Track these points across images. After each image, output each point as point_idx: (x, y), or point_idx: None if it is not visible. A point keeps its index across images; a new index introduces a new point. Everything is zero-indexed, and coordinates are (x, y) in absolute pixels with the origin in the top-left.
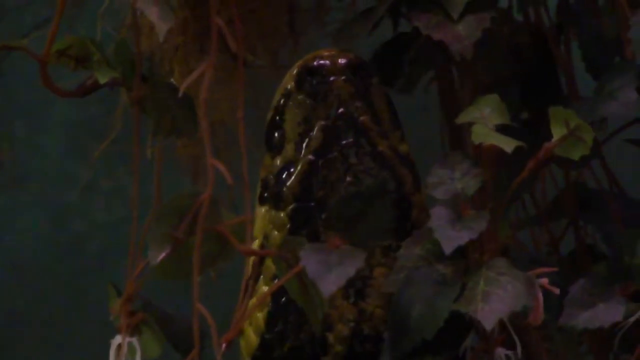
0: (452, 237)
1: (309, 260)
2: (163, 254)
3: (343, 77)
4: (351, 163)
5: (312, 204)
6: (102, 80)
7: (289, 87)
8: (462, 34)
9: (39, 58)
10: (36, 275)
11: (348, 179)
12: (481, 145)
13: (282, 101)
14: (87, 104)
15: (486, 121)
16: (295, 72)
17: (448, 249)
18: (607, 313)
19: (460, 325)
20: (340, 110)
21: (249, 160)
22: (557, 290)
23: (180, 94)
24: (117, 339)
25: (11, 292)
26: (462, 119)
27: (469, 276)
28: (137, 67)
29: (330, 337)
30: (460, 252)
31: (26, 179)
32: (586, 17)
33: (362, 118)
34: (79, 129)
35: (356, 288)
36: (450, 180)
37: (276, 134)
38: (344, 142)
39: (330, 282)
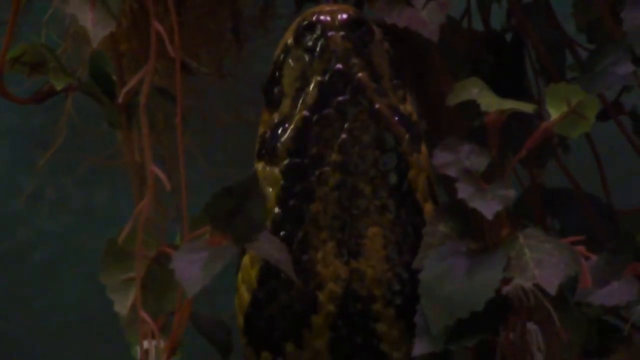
0: (489, 205)
1: (179, 260)
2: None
3: (341, 33)
4: (347, 120)
5: (306, 160)
6: (59, 86)
7: (288, 42)
8: (426, 19)
9: None
10: None
11: (343, 135)
12: (482, 120)
13: (281, 56)
14: (31, 112)
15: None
16: (294, 27)
17: (490, 215)
18: (622, 291)
19: (499, 301)
20: (337, 66)
21: (192, 169)
22: (594, 257)
23: (120, 100)
24: (144, 344)
25: None
26: (452, 100)
27: (505, 247)
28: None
29: (321, 296)
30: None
31: None
32: (540, 21)
33: (359, 75)
34: (23, 138)
35: (349, 247)
36: (457, 160)
37: (275, 90)
38: (340, 98)
39: (195, 282)
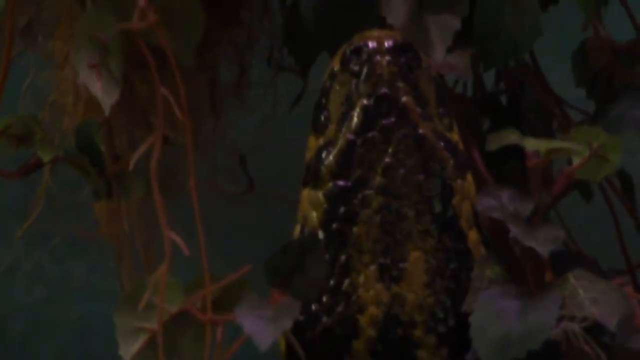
0: (544, 245)
1: (245, 316)
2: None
3: (388, 58)
4: (391, 143)
5: (350, 183)
6: (46, 158)
7: (335, 68)
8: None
9: None
10: None
11: (387, 159)
12: (526, 166)
13: (327, 82)
14: (6, 183)
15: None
16: (341, 52)
17: (545, 253)
18: None
19: (551, 343)
20: (383, 90)
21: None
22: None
23: (130, 167)
24: None
25: None
26: (493, 146)
27: (558, 288)
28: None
29: (362, 320)
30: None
31: None
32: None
33: (404, 99)
34: None
35: (391, 271)
36: (501, 205)
37: (322, 116)
38: (384, 122)
39: (266, 336)
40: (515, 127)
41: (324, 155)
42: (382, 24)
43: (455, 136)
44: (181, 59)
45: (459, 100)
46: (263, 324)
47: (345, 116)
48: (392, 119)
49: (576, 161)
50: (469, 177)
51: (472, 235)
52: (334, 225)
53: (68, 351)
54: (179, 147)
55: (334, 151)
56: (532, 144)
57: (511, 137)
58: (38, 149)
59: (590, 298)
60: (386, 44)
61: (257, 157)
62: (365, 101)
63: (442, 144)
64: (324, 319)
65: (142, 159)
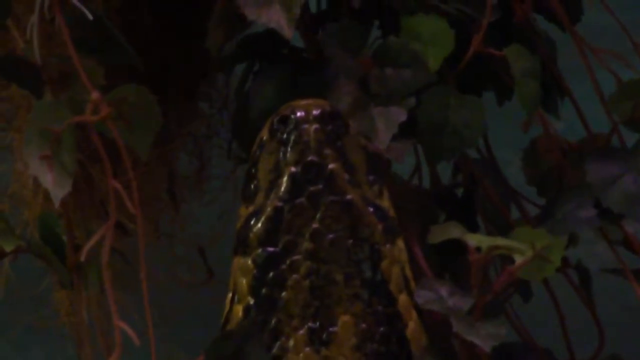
0: (486, 341)
1: None
2: None
3: (315, 126)
4: (319, 209)
5: (278, 249)
6: (9, 248)
7: (264, 137)
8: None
9: None
10: None
11: (315, 225)
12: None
13: (257, 152)
14: None
15: None
16: (269, 122)
17: (488, 349)
18: None
19: None
20: (310, 157)
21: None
22: None
23: (83, 257)
24: None
25: None
26: (434, 240)
27: None
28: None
29: None
30: None
31: None
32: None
33: (331, 165)
34: None
35: (320, 335)
36: (440, 299)
37: (251, 185)
38: (311, 188)
39: None
40: (470, 220)
41: (252, 222)
42: None
43: (385, 202)
44: (138, 152)
45: (414, 193)
46: None
47: (273, 184)
48: (320, 186)
49: (519, 260)
50: (400, 242)
51: (403, 299)
52: (263, 291)
53: None
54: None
55: (262, 218)
56: (474, 240)
57: (454, 231)
58: (0, 240)
59: None
60: (314, 112)
61: (216, 247)
62: (293, 168)
63: (370, 209)
64: None
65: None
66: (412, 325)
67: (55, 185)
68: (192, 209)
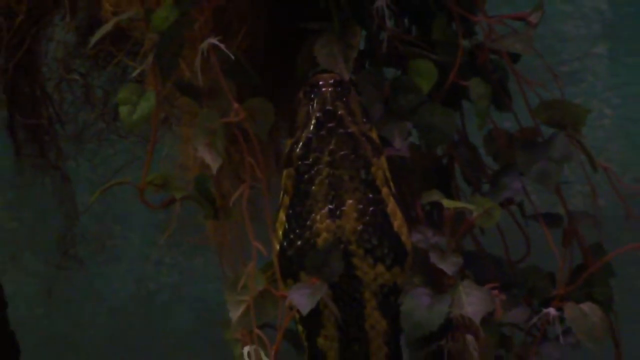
0: (450, 267)
1: (294, 293)
2: (239, 312)
3: (330, 88)
4: (333, 137)
5: (309, 162)
6: (178, 196)
7: (300, 96)
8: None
9: (138, 186)
10: None
11: (331, 147)
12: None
13: (296, 104)
14: (152, 212)
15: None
16: (303, 87)
17: (451, 272)
18: (520, 315)
19: (448, 323)
20: (327, 107)
21: None
22: (504, 297)
23: (231, 203)
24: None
25: None
26: (426, 200)
27: (451, 293)
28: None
29: (319, 241)
30: (434, 278)
31: None
32: (465, 151)
33: (340, 112)
34: None
35: (335, 212)
36: (426, 239)
37: (294, 126)
38: (328, 125)
39: (305, 305)
40: (449, 179)
41: (294, 146)
42: None
43: (374, 134)
44: (259, 137)
45: (424, 158)
46: (304, 298)
47: (306, 124)
48: (333, 124)
49: (474, 215)
50: (382, 157)
51: (384, 191)
52: (301, 186)
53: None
54: (259, 190)
55: (300, 144)
56: (446, 203)
57: (434, 196)
58: (174, 191)
59: (468, 301)
60: (330, 80)
61: None
62: (317, 114)
63: (364, 138)
64: (298, 242)
65: (236, 198)
66: (391, 206)
67: (213, 161)
68: None
